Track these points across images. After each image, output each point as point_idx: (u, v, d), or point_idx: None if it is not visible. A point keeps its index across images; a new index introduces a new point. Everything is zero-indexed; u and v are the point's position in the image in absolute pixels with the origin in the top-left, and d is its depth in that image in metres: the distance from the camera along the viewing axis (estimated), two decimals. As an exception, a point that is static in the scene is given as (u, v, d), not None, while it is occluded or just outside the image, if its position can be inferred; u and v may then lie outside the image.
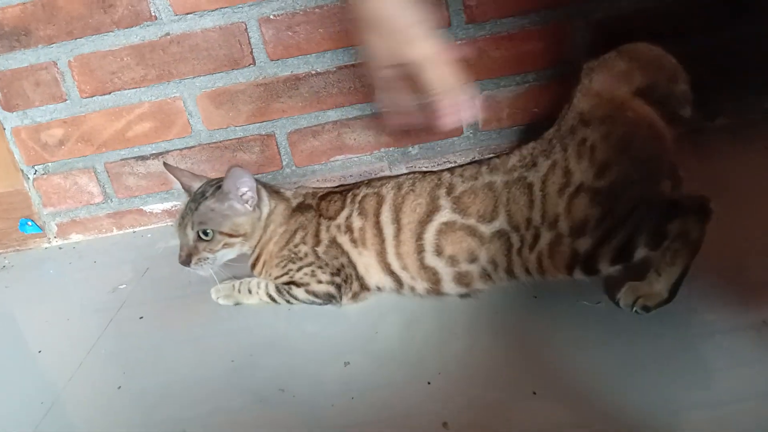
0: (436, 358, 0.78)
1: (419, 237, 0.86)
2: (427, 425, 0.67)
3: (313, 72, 1.23)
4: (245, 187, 0.91)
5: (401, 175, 0.93)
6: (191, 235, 0.91)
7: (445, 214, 0.84)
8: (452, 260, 0.85)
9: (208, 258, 0.91)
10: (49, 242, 1.38)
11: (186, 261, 0.91)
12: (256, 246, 0.96)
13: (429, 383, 0.73)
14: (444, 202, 0.85)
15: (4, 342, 1.04)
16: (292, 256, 0.91)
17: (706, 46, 1.18)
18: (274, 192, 0.98)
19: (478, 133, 1.27)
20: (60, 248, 1.36)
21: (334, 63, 1.22)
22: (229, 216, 0.91)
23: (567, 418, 0.65)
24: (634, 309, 0.77)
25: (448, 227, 0.84)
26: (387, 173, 1.30)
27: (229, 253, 0.94)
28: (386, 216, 0.88)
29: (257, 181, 0.96)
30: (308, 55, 1.21)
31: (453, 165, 0.92)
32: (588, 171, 0.75)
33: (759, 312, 0.73)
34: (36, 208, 1.35)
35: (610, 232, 0.75)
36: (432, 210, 0.85)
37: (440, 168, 1.27)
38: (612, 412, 0.64)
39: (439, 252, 0.85)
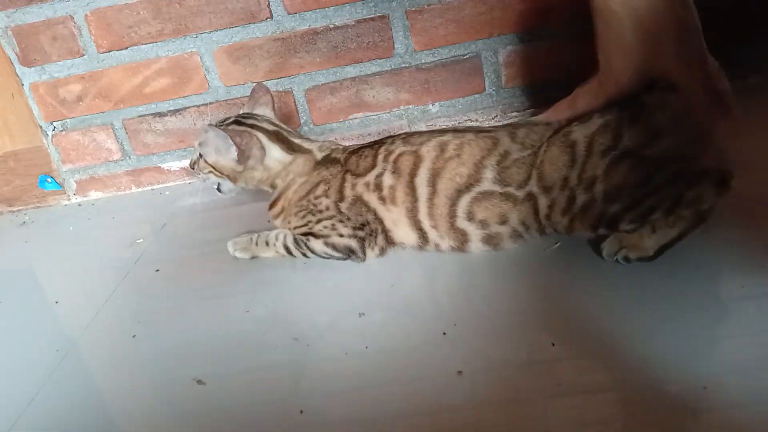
0: (452, 310, 0.76)
1: (454, 203, 0.83)
2: (442, 372, 0.65)
3: (332, 26, 1.20)
4: (216, 146, 0.92)
5: (446, 131, 0.87)
6: (196, 149, 0.96)
7: (485, 185, 0.81)
8: (483, 224, 0.82)
9: (200, 174, 0.97)
10: (69, 199, 1.39)
11: (191, 165, 0.99)
12: (273, 190, 0.95)
13: (444, 334, 0.71)
14: (489, 173, 0.81)
15: (21, 293, 1.05)
16: (312, 207, 0.90)
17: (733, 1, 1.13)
18: (293, 146, 0.95)
19: (502, 90, 1.23)
20: (79, 205, 1.37)
21: (352, 16, 1.19)
22: (215, 153, 0.93)
23: (586, 368, 0.63)
24: (616, 258, 0.76)
25: (484, 196, 0.81)
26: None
27: (223, 184, 0.97)
28: (422, 178, 0.84)
29: (274, 133, 0.94)
30: (326, 8, 1.18)
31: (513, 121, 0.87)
32: (638, 137, 0.72)
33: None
34: (55, 165, 1.36)
35: (641, 199, 0.72)
36: (473, 182, 0.82)
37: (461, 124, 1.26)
38: (632, 365, 0.62)
39: (470, 218, 0.83)
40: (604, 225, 0.76)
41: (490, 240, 0.83)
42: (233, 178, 0.95)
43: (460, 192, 0.82)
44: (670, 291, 0.71)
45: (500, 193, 0.81)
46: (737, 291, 0.70)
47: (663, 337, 0.64)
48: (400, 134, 0.91)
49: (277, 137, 0.94)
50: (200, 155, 0.95)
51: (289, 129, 0.97)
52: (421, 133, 0.89)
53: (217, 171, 0.95)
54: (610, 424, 0.56)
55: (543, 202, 0.78)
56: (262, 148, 0.93)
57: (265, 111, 1.00)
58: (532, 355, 0.66)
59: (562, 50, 1.19)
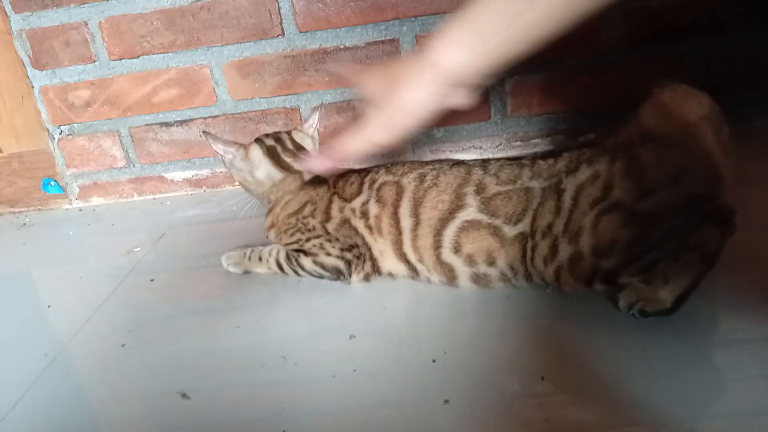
0: (443, 338, 0.76)
1: (438, 233, 0.82)
2: (429, 400, 0.64)
3: (342, 47, 1.21)
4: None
5: (425, 163, 0.87)
6: None
7: (470, 213, 0.80)
8: (470, 260, 0.81)
9: None
10: (70, 204, 1.39)
11: None
12: (269, 202, 0.96)
13: (434, 361, 0.70)
14: (471, 200, 0.80)
15: (14, 295, 1.05)
16: (300, 226, 0.90)
17: (744, 43, 1.14)
18: (281, 163, 0.93)
19: (506, 119, 1.24)
20: (80, 210, 1.37)
21: (363, 38, 1.20)
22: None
23: (574, 404, 0.62)
24: (632, 312, 0.72)
25: (471, 225, 0.80)
26: (410, 156, 1.28)
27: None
28: (405, 209, 0.84)
29: (271, 148, 0.94)
30: (338, 29, 1.19)
31: (483, 158, 0.86)
32: (630, 191, 0.69)
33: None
34: (59, 169, 1.36)
35: (638, 255, 0.69)
36: (456, 208, 0.80)
37: (464, 152, 1.26)
38: (622, 404, 0.61)
39: (456, 249, 0.81)
40: (600, 280, 0.72)
41: (479, 280, 0.82)
42: (244, 187, 0.98)
43: (444, 221, 0.81)
44: (663, 332, 0.70)
45: (488, 223, 0.79)
46: (731, 335, 0.69)
47: (653, 377, 0.63)
48: (384, 163, 0.91)
49: (270, 153, 0.93)
50: None
51: (290, 147, 0.95)
52: (403, 164, 0.89)
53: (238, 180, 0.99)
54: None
55: (528, 245, 0.77)
56: (246, 160, 0.93)
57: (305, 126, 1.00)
58: (521, 387, 0.65)
59: (568, 83, 1.20)
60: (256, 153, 0.93)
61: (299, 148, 0.94)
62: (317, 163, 0.81)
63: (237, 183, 1.01)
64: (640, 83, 0.74)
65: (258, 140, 0.95)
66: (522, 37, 0.63)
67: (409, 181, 0.85)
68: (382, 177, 0.87)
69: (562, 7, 0.61)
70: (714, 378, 0.64)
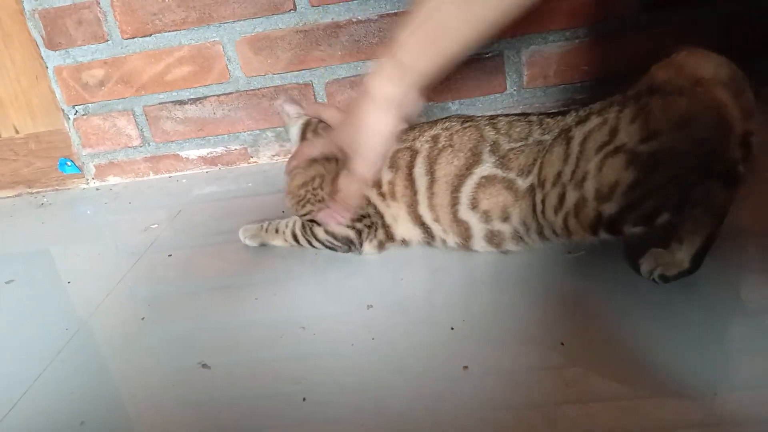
0: (461, 306, 0.75)
1: (455, 189, 0.82)
2: (447, 367, 0.64)
3: (354, 20, 1.20)
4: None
5: (436, 122, 0.87)
6: None
7: (486, 168, 0.80)
8: (486, 216, 0.81)
9: None
10: (87, 183, 1.40)
11: None
12: None
13: (452, 329, 0.70)
14: (487, 157, 0.80)
15: (35, 272, 1.06)
16: (311, 197, 0.90)
17: (758, 6, 1.11)
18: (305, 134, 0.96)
19: (523, 90, 1.22)
20: (97, 189, 1.38)
21: (376, 11, 1.18)
22: None
23: (595, 370, 0.62)
24: (652, 277, 0.71)
25: (487, 180, 0.80)
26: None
27: None
28: (420, 168, 0.84)
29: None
30: (350, 2, 1.18)
31: (496, 114, 0.86)
32: (635, 134, 0.68)
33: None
34: (75, 149, 1.37)
35: (639, 199, 0.68)
36: (472, 164, 0.81)
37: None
38: (642, 369, 0.60)
39: (474, 206, 0.81)
40: (604, 227, 0.72)
41: (492, 239, 0.82)
42: None
43: (461, 177, 0.81)
44: (685, 299, 0.69)
45: (503, 177, 0.79)
46: (755, 303, 0.68)
47: (675, 345, 0.63)
48: None
49: (307, 125, 0.97)
50: None
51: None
52: (412, 128, 0.88)
53: None
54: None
55: (538, 197, 0.77)
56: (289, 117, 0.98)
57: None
58: (541, 353, 0.65)
59: (585, 52, 1.18)
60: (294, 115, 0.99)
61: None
62: (334, 220, 0.86)
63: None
64: (657, 49, 0.73)
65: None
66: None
67: (422, 144, 0.85)
68: (393, 146, 0.87)
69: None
70: (737, 347, 0.63)
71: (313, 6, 1.19)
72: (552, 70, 1.20)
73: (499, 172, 0.80)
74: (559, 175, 0.74)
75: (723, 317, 0.67)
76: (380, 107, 0.76)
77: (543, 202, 0.76)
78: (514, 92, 1.22)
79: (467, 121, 0.85)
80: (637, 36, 1.16)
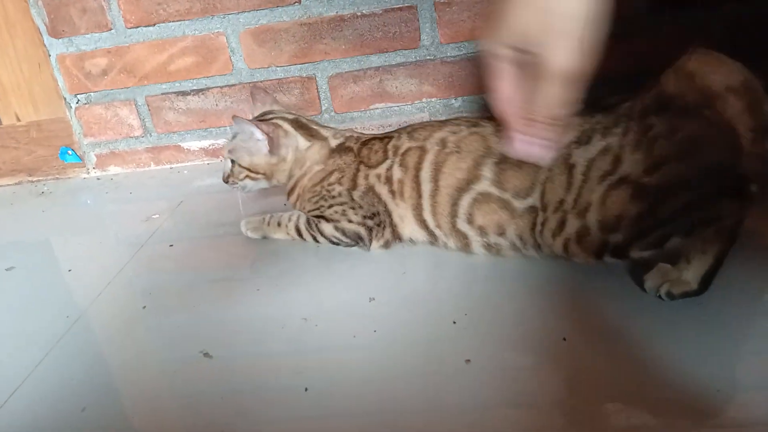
0: (463, 300, 0.76)
1: (455, 202, 0.82)
2: (449, 360, 0.65)
3: (359, 13, 1.19)
4: (248, 135, 0.92)
5: (447, 122, 0.86)
6: (227, 159, 0.95)
7: (483, 185, 0.79)
8: (482, 231, 0.81)
9: (236, 183, 0.96)
10: (88, 173, 1.40)
11: (225, 180, 0.98)
12: (290, 179, 0.96)
13: (454, 322, 0.71)
14: (486, 172, 0.79)
15: (35, 261, 1.06)
16: (324, 193, 0.90)
17: (765, 8, 1.11)
18: (311, 131, 0.96)
19: (525, 87, 1.22)
20: (98, 179, 1.38)
21: (380, 5, 1.18)
22: (248, 154, 0.94)
23: (597, 366, 0.62)
24: (658, 294, 0.69)
25: (483, 198, 0.80)
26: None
27: (258, 184, 0.97)
28: (426, 173, 0.84)
29: (294, 120, 0.96)
30: (355, -5, 1.18)
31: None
32: (639, 164, 0.66)
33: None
34: (77, 138, 1.37)
35: (647, 230, 0.67)
36: (472, 179, 0.80)
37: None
38: (644, 364, 0.61)
39: (470, 221, 0.81)
40: (610, 254, 0.71)
41: (490, 249, 0.82)
42: (269, 175, 0.95)
43: (460, 190, 0.81)
44: (693, 299, 0.69)
45: (498, 197, 0.78)
46: (763, 305, 0.69)
47: (678, 341, 0.63)
48: (405, 128, 0.91)
49: (298, 124, 0.95)
50: (233, 163, 0.95)
51: (306, 117, 0.98)
52: (423, 127, 0.88)
53: (253, 173, 0.95)
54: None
55: (539, 219, 0.76)
56: (287, 134, 0.94)
57: (273, 106, 1.02)
58: (543, 348, 0.65)
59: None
60: (288, 127, 0.94)
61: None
62: (536, 147, 0.70)
63: (244, 176, 0.95)
64: (664, 49, 0.72)
65: (273, 121, 0.95)
66: None
67: (432, 145, 0.84)
68: (405, 144, 0.87)
69: None
70: (742, 346, 0.63)
71: (317, -1, 1.19)
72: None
73: (494, 191, 0.79)
74: (561, 202, 0.73)
75: (728, 317, 0.67)
76: None
77: (543, 224, 0.75)
78: (517, 89, 1.22)
79: (474, 126, 0.83)
80: (644, 35, 1.15)
